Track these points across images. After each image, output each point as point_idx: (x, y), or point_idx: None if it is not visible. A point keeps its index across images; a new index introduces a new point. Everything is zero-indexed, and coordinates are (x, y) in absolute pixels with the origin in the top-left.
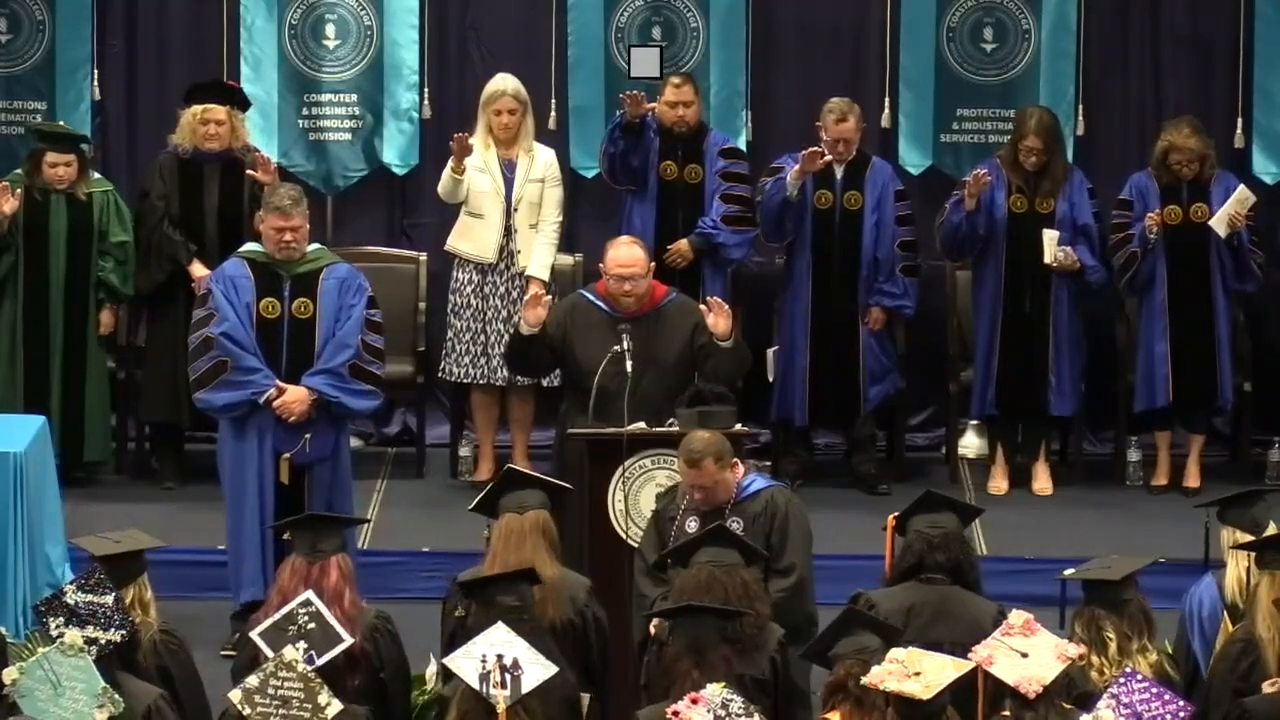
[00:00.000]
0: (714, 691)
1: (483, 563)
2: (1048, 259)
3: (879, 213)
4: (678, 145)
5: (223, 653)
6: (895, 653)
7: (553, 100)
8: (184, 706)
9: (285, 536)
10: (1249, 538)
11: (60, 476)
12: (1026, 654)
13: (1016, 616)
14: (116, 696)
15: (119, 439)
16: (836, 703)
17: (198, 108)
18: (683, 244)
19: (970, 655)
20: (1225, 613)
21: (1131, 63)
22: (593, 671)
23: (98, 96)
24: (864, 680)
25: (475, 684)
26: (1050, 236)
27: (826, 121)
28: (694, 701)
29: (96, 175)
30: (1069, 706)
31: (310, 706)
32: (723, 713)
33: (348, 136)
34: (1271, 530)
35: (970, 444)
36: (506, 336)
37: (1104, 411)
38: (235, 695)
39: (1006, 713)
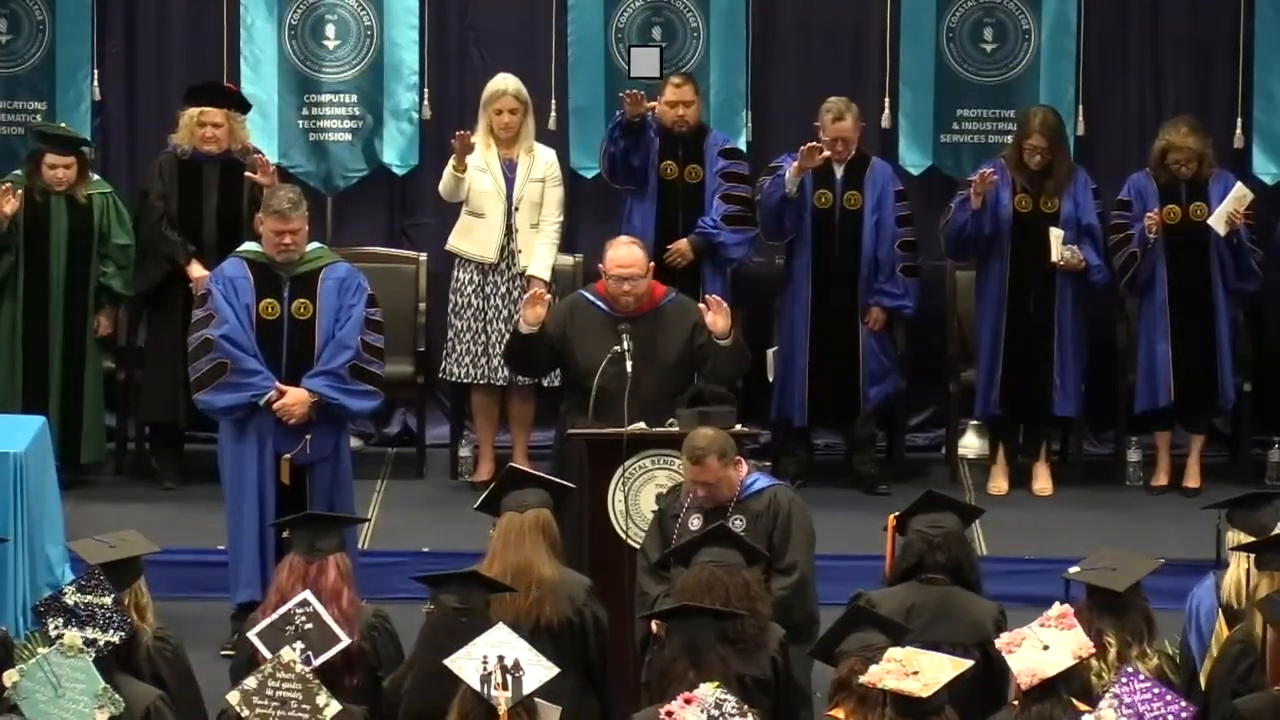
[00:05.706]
0: (707, 691)
1: (483, 561)
2: (1054, 258)
3: (879, 213)
4: (678, 145)
5: (222, 653)
6: (893, 652)
7: (553, 100)
8: (179, 713)
9: (284, 535)
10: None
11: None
12: (1048, 647)
13: (1056, 609)
14: (117, 697)
15: (119, 439)
16: (841, 699)
17: (195, 110)
18: (683, 244)
19: (997, 641)
20: (1221, 613)
21: (1131, 63)
22: (593, 671)
23: (98, 97)
24: (861, 679)
25: (476, 685)
26: (1057, 235)
27: (824, 121)
28: (687, 701)
29: (95, 177)
30: (1083, 707)
31: (309, 707)
32: (716, 712)
33: (348, 137)
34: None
35: (970, 444)
36: (507, 336)
37: (1104, 412)
38: (234, 697)
39: (1015, 701)
